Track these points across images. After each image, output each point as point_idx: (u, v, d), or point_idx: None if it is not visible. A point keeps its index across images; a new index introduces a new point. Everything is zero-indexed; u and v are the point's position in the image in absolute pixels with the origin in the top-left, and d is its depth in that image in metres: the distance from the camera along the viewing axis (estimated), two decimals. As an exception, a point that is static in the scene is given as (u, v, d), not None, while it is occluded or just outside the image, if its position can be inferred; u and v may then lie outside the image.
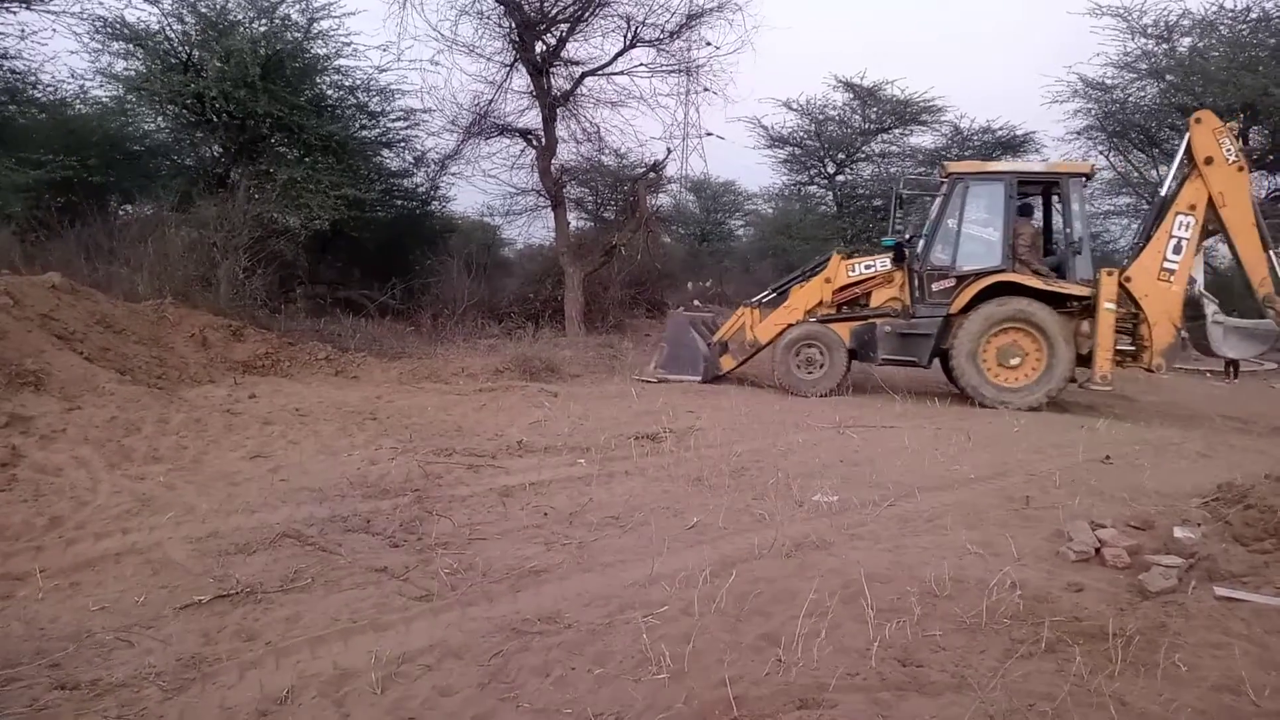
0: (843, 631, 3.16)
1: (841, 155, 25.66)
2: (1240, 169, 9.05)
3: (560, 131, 17.79)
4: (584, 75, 17.74)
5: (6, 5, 14.06)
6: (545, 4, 16.85)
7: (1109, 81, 21.33)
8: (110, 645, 2.93)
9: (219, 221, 11.66)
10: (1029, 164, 11.30)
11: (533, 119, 18.12)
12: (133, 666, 2.77)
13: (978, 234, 9.59)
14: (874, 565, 3.87)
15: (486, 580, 3.64)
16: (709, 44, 17.43)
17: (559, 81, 17.75)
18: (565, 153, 18.27)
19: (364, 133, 16.65)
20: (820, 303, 10.31)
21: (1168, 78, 19.71)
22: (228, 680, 2.72)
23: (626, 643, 3.06)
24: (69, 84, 15.10)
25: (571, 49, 17.59)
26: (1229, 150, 9.00)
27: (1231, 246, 9.17)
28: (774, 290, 10.96)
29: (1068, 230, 9.47)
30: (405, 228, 18.45)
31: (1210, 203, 9.01)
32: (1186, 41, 19.80)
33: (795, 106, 24.56)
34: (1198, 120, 9.21)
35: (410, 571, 3.70)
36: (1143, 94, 21.06)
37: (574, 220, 18.89)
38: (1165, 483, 5.76)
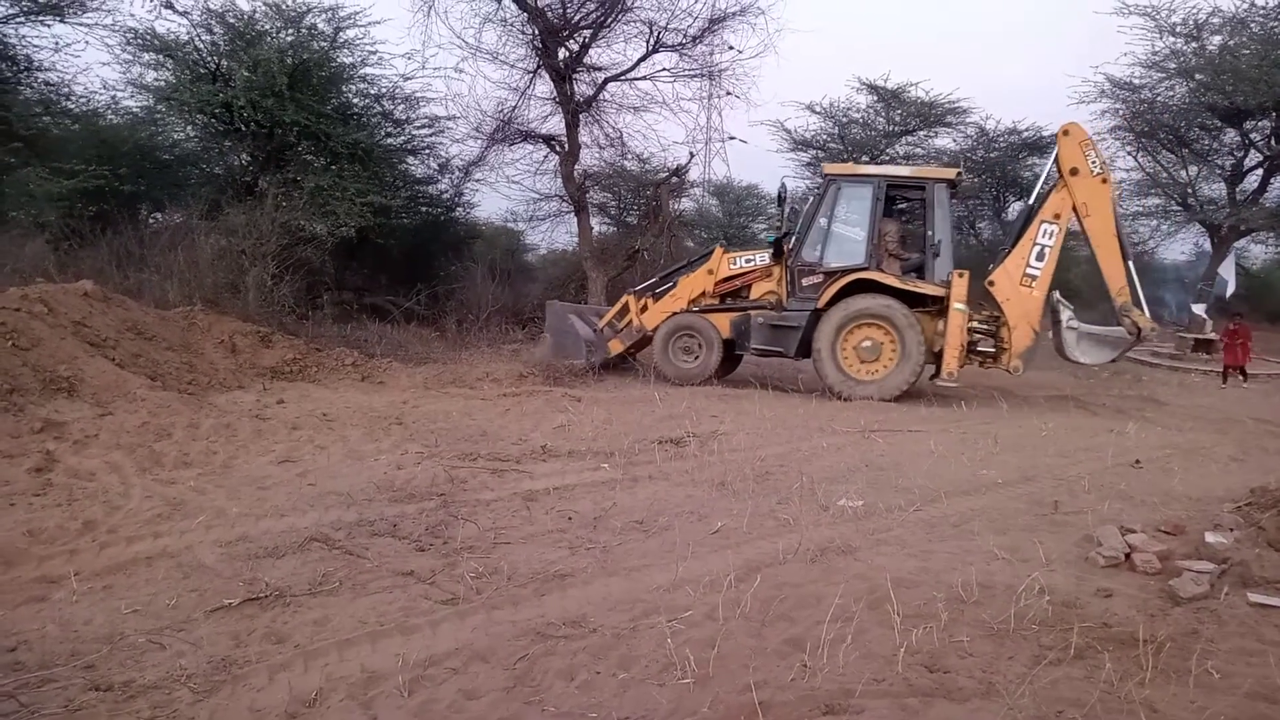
0: (869, 637, 3.14)
1: (865, 158, 25.54)
2: (1104, 180, 9.46)
3: (583, 137, 17.87)
4: (607, 81, 17.80)
5: (41, 18, 14.36)
6: (568, 11, 16.93)
7: (1137, 81, 21.09)
8: (142, 647, 2.97)
9: (247, 229, 11.82)
10: (897, 168, 11.87)
11: (556, 125, 18.22)
12: (164, 668, 2.81)
13: (845, 233, 10.07)
14: (900, 571, 3.84)
15: (511, 584, 3.66)
16: (731, 48, 17.45)
17: (582, 87, 17.83)
18: (588, 158, 18.36)
19: (389, 140, 16.82)
20: (704, 293, 10.77)
21: (1197, 77, 19.45)
22: (257, 682, 2.76)
23: (651, 647, 3.07)
24: (101, 95, 15.42)
25: (594, 55, 17.67)
26: (1094, 162, 9.42)
27: (1093, 255, 9.59)
28: (661, 278, 11.33)
29: (929, 233, 9.87)
30: (430, 234, 18.60)
31: (1075, 212, 9.44)
32: (1217, 40, 19.53)
33: (818, 109, 24.50)
34: (1065, 132, 9.61)
35: (436, 575, 3.73)
36: (1171, 93, 20.79)
37: (597, 225, 18.98)
38: (1196, 487, 5.68)
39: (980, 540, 4.38)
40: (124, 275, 10.65)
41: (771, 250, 10.40)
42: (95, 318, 7.71)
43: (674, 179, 18.03)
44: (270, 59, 13.34)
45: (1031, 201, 9.97)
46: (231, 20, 14.14)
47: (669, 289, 10.98)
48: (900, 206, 10.60)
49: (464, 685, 2.79)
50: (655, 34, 17.28)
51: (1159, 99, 21.02)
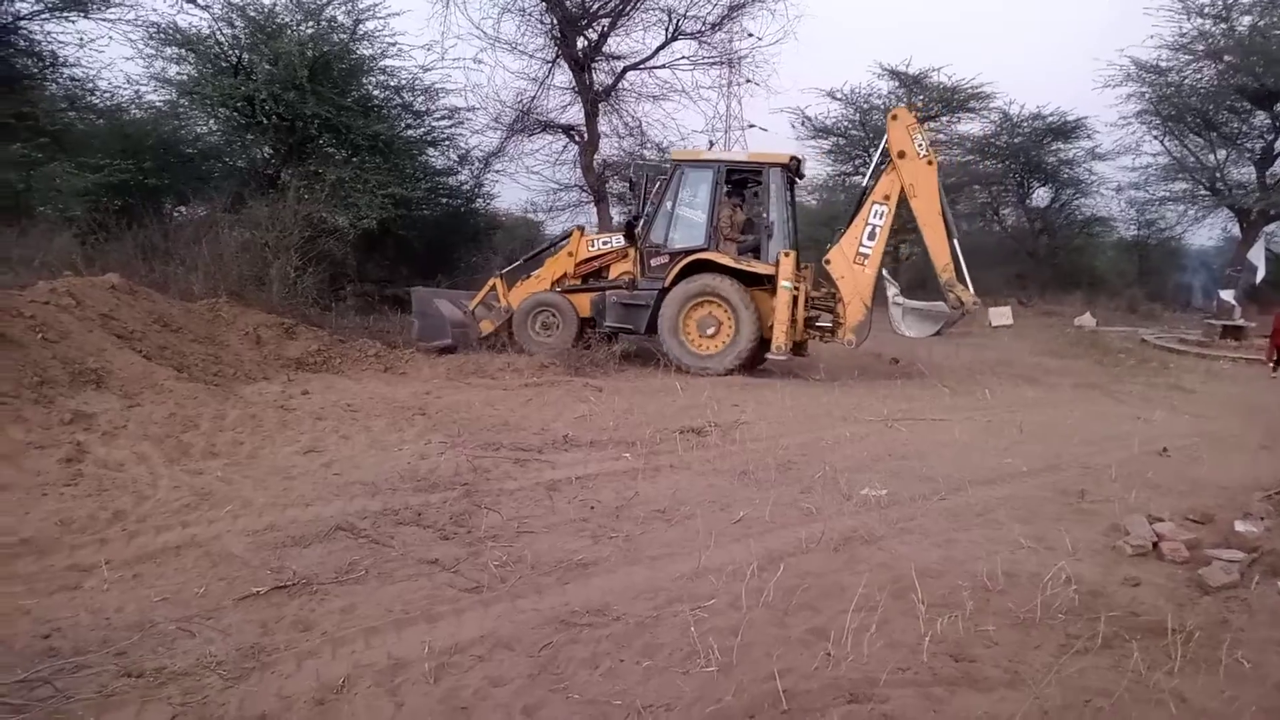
0: (893, 626, 3.14)
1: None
2: (930, 163, 10.02)
3: (602, 126, 17.86)
4: (625, 70, 17.78)
5: (65, 14, 14.51)
6: (586, 0, 16.90)
7: (1164, 64, 20.77)
8: (172, 635, 3.01)
9: (270, 222, 11.90)
10: (735, 154, 12.85)
11: (575, 115, 18.23)
12: (194, 656, 2.85)
13: (688, 215, 10.65)
14: (924, 560, 3.83)
15: (535, 573, 3.68)
16: (750, 35, 17.36)
17: (601, 77, 17.83)
18: (607, 147, 18.35)
19: (409, 132, 16.85)
20: (565, 274, 11.25)
21: (1226, 58, 19.13)
22: (286, 669, 2.79)
23: (674, 635, 3.08)
24: (125, 90, 15.54)
25: (613, 44, 17.67)
26: (920, 145, 10.01)
27: (921, 234, 10.09)
28: (524, 260, 12.02)
29: (764, 214, 10.48)
30: (451, 225, 18.64)
31: (902, 193, 10.01)
32: (1246, 20, 19.20)
33: (839, 96, 24.34)
34: (894, 117, 10.25)
35: (460, 564, 3.76)
36: (1199, 76, 20.47)
37: (616, 215, 18.97)
38: (1225, 476, 5.61)
39: (1005, 529, 4.35)
40: (150, 268, 10.74)
41: (624, 232, 10.99)
42: (122, 310, 7.79)
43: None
44: (291, 52, 13.40)
45: (864, 184, 10.51)
46: (252, 14, 14.21)
47: (534, 272, 11.56)
48: (753, 190, 11.09)
49: (489, 673, 2.81)
50: (674, 22, 17.24)
51: (1186, 82, 20.69)
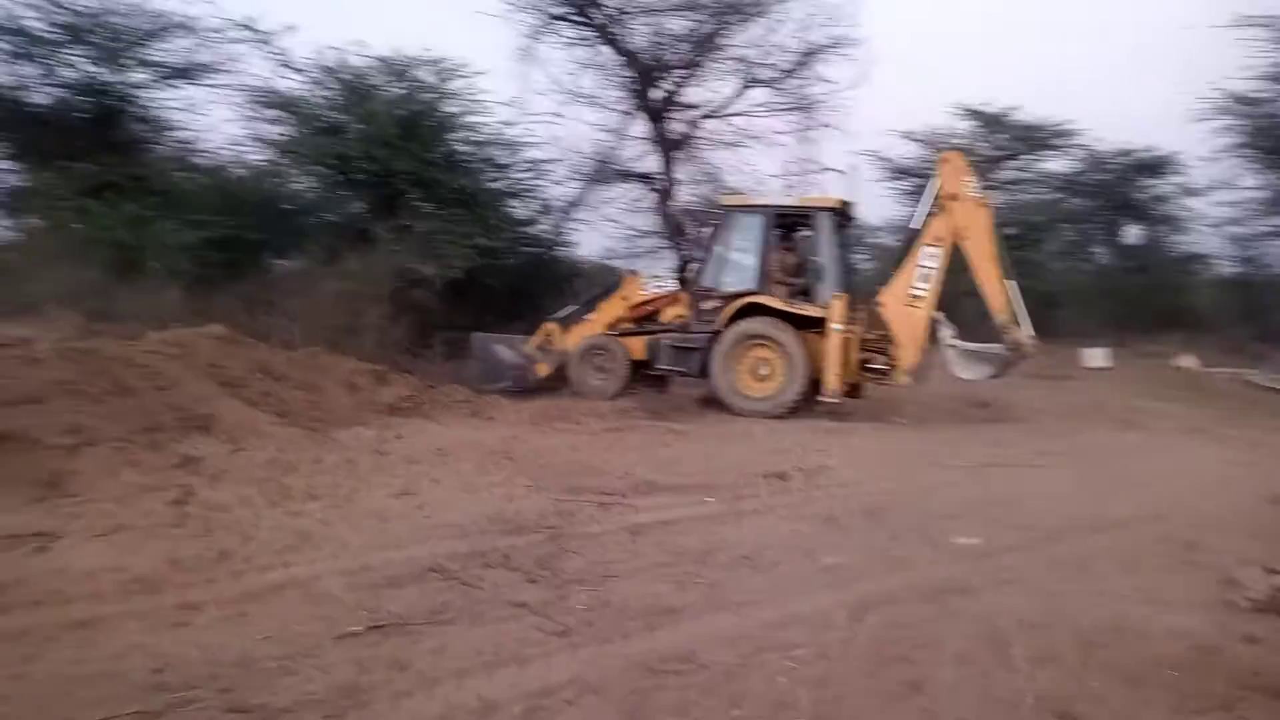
0: (991, 680, 3.03)
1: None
2: (982, 205, 10.06)
3: (679, 174, 18.05)
4: (701, 118, 17.98)
5: (174, 82, 15.56)
6: (662, 53, 17.25)
7: (1259, 95, 20.00)
8: (275, 672, 3.11)
9: (363, 273, 12.38)
10: (785, 198, 12.91)
11: (652, 163, 18.47)
12: (295, 693, 2.94)
13: (739, 259, 10.75)
14: (1023, 611, 3.70)
15: (621, 617, 3.69)
16: (826, 80, 17.41)
17: (677, 125, 18.07)
18: (684, 194, 18.51)
19: (493, 184, 17.33)
20: (619, 318, 11.49)
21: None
22: (381, 709, 2.85)
23: (763, 685, 3.04)
24: (227, 150, 16.46)
25: (688, 93, 17.91)
26: (972, 188, 10.03)
27: (975, 276, 9.99)
28: (580, 306, 12.03)
29: (814, 258, 10.55)
30: (533, 273, 18.98)
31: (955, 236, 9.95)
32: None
33: (918, 137, 24.09)
34: (945, 160, 10.39)
35: (548, 607, 3.79)
36: (1298, 107, 19.63)
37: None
38: (1349, 526, 5.27)
39: (1109, 580, 4.17)
40: (252, 319, 11.25)
41: (677, 277, 11.33)
42: (227, 359, 8.19)
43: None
44: (382, 111, 14.03)
45: (913, 225, 10.49)
46: (345, 76, 14.96)
47: (588, 315, 11.72)
48: (804, 233, 11.08)
49: (578, 717, 2.82)
50: (748, 71, 17.41)
51: (1285, 113, 19.87)
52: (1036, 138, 23.49)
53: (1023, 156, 24.17)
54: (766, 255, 10.53)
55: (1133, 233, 26.73)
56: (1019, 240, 25.15)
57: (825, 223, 10.54)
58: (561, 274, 20.29)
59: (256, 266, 14.25)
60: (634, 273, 11.91)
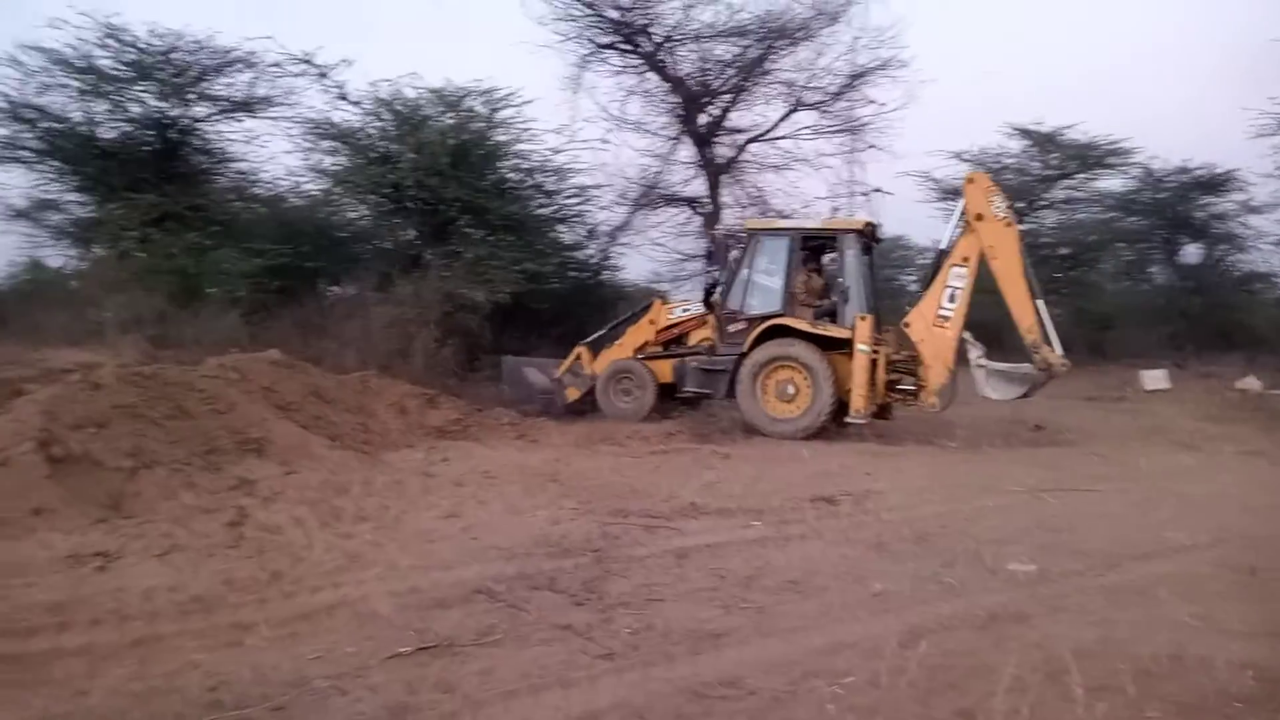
0: (1047, 710, 2.95)
1: (1021, 204, 24.53)
2: (1008, 225, 10.01)
3: (724, 197, 18.12)
4: (747, 142, 18.05)
5: (235, 115, 16.10)
6: (709, 78, 17.37)
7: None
8: (326, 692, 3.15)
9: (413, 299, 12.61)
10: (810, 221, 12.89)
11: (698, 187, 18.56)
12: (345, 713, 2.97)
13: (764, 282, 10.80)
14: (1080, 640, 3.59)
15: (666, 641, 3.67)
16: (873, 102, 17.37)
17: (723, 149, 18.17)
18: (730, 217, 18.55)
19: (541, 210, 17.60)
20: (647, 342, 11.63)
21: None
22: (429, 730, 2.87)
23: (811, 712, 3.00)
24: (284, 180, 16.97)
25: (734, 118, 18.02)
26: (998, 208, 9.95)
27: (1003, 296, 9.95)
28: (608, 329, 12.22)
29: (840, 280, 10.56)
30: (579, 297, 19.18)
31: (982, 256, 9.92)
32: None
33: (967, 157, 23.81)
34: (970, 180, 10.29)
35: (593, 630, 3.79)
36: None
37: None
38: None
39: (1168, 608, 4.04)
40: (306, 344, 11.53)
41: (703, 300, 11.35)
42: (282, 383, 8.39)
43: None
44: (434, 141, 14.35)
45: (942, 246, 10.46)
46: (399, 107, 15.33)
47: (618, 339, 11.87)
48: (831, 255, 11.12)
49: (624, 741, 2.81)
50: (795, 94, 17.45)
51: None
52: (1091, 156, 23.06)
53: (1076, 175, 23.74)
54: (792, 278, 10.61)
55: (1191, 252, 26.06)
56: (1073, 260, 24.71)
57: (850, 245, 10.57)
58: (607, 298, 20.45)
59: (311, 293, 14.61)
60: (662, 297, 12.11)
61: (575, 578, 4.54)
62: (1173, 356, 20.70)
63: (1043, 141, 23.26)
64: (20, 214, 16.41)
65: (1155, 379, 16.91)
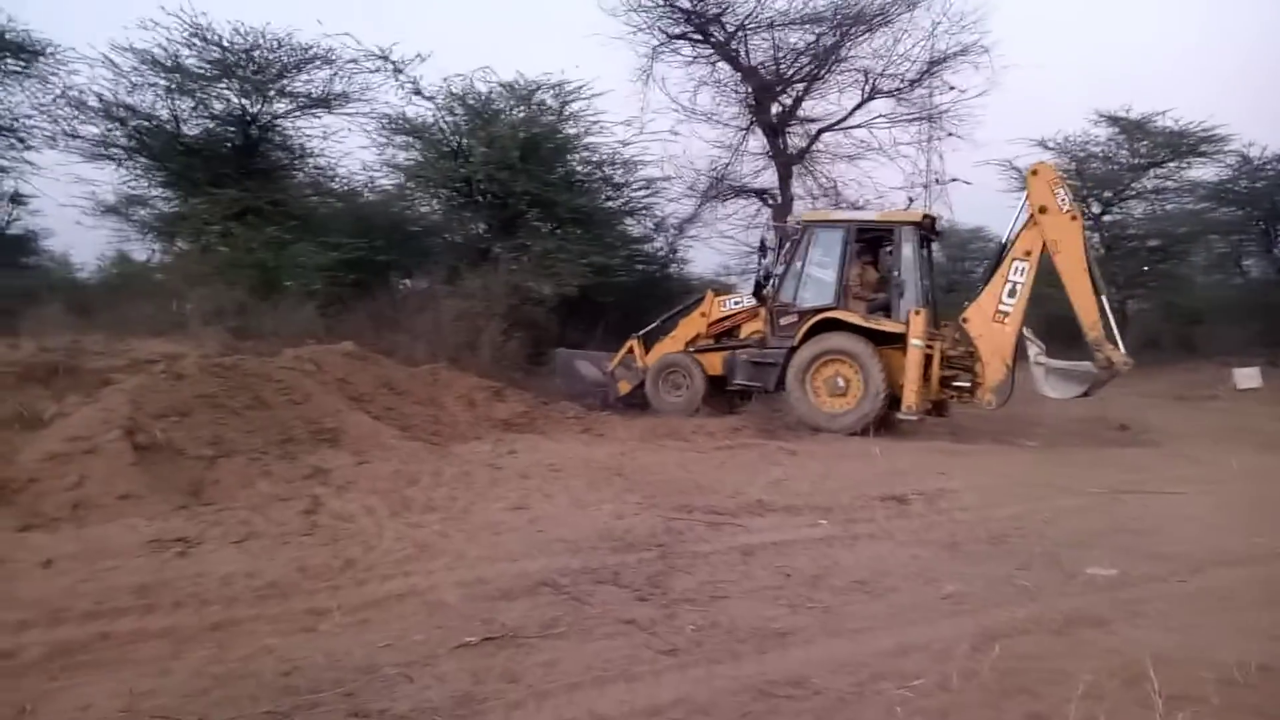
0: (1125, 717, 2.84)
1: (1108, 194, 23.65)
2: (1073, 218, 9.73)
3: (796, 188, 17.88)
4: (820, 132, 17.79)
5: (313, 111, 16.54)
6: (781, 67, 17.15)
7: None
8: (395, 679, 3.21)
9: (482, 292, 12.79)
10: (866, 214, 13.01)
11: (768, 178, 18.37)
12: (414, 700, 3.02)
13: (818, 275, 10.74)
14: (1160, 646, 3.44)
15: (731, 639, 3.63)
16: (952, 88, 16.94)
17: (795, 140, 17.94)
18: (801, 209, 18.32)
19: (609, 203, 17.68)
20: (699, 334, 11.68)
21: None
22: (495, 719, 2.90)
23: (879, 714, 2.93)
24: (359, 175, 17.37)
25: (807, 107, 17.76)
26: (1063, 200, 9.65)
27: (1066, 291, 9.67)
28: (661, 322, 12.29)
29: (895, 273, 10.38)
30: (647, 290, 19.23)
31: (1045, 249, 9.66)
32: None
33: (1051, 145, 23.04)
34: (1034, 172, 10.00)
35: (656, 625, 3.77)
36: None
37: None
38: None
39: (1254, 615, 3.85)
40: (378, 336, 11.81)
41: (754, 292, 11.40)
42: (355, 375, 8.60)
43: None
44: (505, 135, 14.52)
45: (1004, 239, 10.26)
46: (471, 102, 15.54)
47: (669, 331, 11.91)
48: (887, 249, 10.96)
49: (687, 738, 2.79)
50: (870, 81, 17.13)
51: None
52: (1183, 144, 22.09)
53: (1167, 164, 22.78)
54: (846, 270, 10.51)
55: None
56: (1162, 253, 23.77)
57: (907, 238, 10.45)
58: (674, 291, 20.44)
59: (384, 286, 14.95)
60: (714, 290, 12.15)
61: (639, 572, 4.54)
62: (1267, 354, 19.73)
63: (1131, 129, 22.38)
64: (110, 209, 17.16)
65: (1248, 377, 16.19)
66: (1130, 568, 4.68)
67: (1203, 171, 23.27)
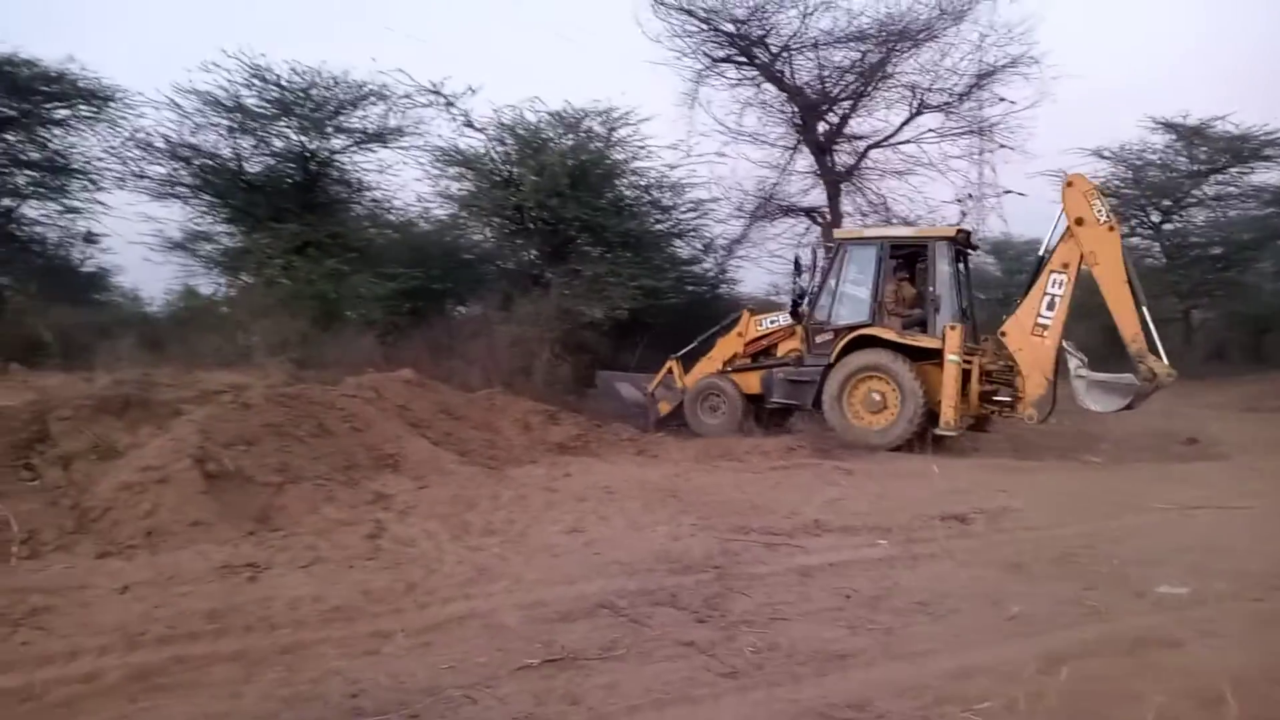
0: (1202, 744, 2.76)
1: (1167, 202, 23.04)
2: (1111, 229, 9.57)
3: (845, 206, 17.79)
4: (868, 149, 17.69)
5: (369, 146, 17.00)
6: (827, 85, 17.13)
7: None
8: (458, 701, 3.26)
9: (535, 317, 12.97)
10: (900, 230, 13.03)
11: (817, 196, 18.29)
12: (473, 722, 3.07)
13: (853, 292, 10.76)
14: (1236, 668, 3.34)
15: (791, 661, 3.62)
16: (1002, 100, 16.72)
17: (842, 157, 17.86)
18: (850, 226, 18.21)
19: (658, 226, 17.76)
20: (736, 354, 11.68)
21: None
22: (556, 742, 2.93)
23: (943, 738, 2.90)
24: (414, 206, 17.77)
25: (854, 124, 17.68)
26: (1100, 211, 9.55)
27: (1107, 303, 9.51)
28: (699, 342, 12.22)
29: (930, 289, 10.28)
30: (697, 312, 19.21)
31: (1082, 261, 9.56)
32: None
33: (1108, 154, 22.55)
34: (1069, 184, 9.79)
35: (716, 647, 3.77)
36: None
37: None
38: None
39: (1338, 637, 3.71)
40: (435, 363, 12.01)
41: (790, 310, 11.32)
42: (414, 401, 8.78)
43: None
44: (554, 163, 14.73)
45: (1041, 252, 10.17)
46: (521, 132, 15.81)
47: (707, 352, 11.97)
48: (921, 265, 10.86)
49: (749, 761, 2.78)
50: (918, 97, 17.01)
51: None
52: (1245, 148, 21.44)
53: (1229, 169, 22.14)
54: (881, 287, 10.48)
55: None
56: (1226, 261, 23.05)
57: (943, 253, 10.39)
58: (724, 311, 20.40)
59: (439, 314, 15.22)
60: (750, 309, 12.16)
61: (697, 594, 4.54)
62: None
63: (1189, 135, 21.81)
64: (176, 245, 17.78)
65: (1322, 388, 15.56)
66: (1202, 586, 4.55)
67: (1267, 176, 22.57)
